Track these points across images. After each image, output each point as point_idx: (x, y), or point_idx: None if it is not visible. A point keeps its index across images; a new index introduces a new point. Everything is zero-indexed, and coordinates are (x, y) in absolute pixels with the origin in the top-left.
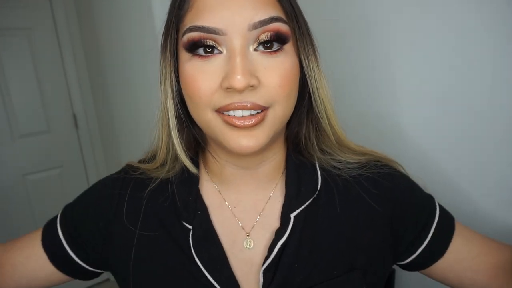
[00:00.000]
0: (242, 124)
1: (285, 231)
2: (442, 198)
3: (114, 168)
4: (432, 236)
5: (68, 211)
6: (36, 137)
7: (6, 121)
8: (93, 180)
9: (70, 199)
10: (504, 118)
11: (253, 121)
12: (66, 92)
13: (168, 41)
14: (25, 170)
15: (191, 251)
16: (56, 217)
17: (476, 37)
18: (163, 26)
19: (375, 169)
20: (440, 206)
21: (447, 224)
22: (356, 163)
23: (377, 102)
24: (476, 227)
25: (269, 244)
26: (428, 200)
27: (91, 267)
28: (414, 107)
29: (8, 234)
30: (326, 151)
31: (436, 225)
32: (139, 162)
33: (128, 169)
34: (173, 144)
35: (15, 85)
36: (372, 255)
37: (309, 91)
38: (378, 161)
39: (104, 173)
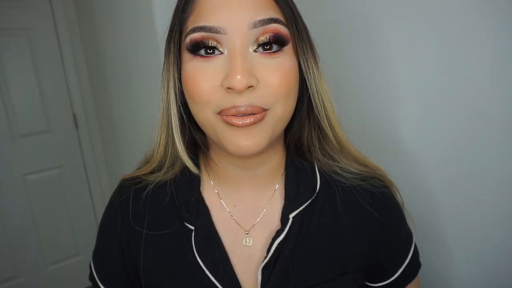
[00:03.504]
0: (241, 122)
1: (283, 231)
2: (443, 197)
3: (114, 168)
4: (399, 275)
5: (95, 254)
6: (36, 137)
7: (6, 121)
8: (93, 180)
9: (70, 199)
10: (504, 117)
11: (252, 119)
12: (66, 92)
13: (172, 44)
14: (25, 170)
15: (194, 252)
16: (91, 268)
17: (476, 37)
18: (167, 30)
19: (374, 185)
20: (414, 247)
21: (411, 270)
22: (356, 173)
23: (376, 101)
24: (477, 227)
25: (268, 243)
26: (408, 239)
27: None
28: (413, 107)
29: (8, 234)
30: (329, 155)
31: (405, 266)
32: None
33: (123, 183)
34: (173, 145)
35: (15, 85)
36: (362, 260)
37: (309, 93)
38: (378, 178)
39: (104, 173)
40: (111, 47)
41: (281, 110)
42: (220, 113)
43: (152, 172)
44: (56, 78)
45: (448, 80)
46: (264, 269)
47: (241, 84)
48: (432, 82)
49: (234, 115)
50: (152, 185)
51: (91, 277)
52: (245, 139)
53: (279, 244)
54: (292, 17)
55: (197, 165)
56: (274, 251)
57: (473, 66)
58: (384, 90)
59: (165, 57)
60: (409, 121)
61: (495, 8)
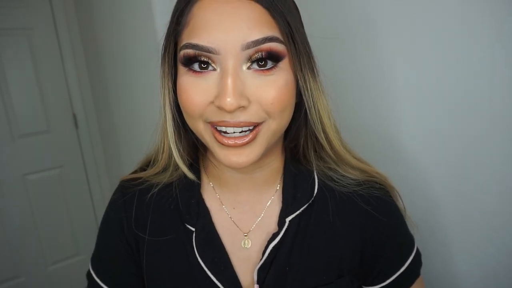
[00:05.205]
0: (232, 143)
1: (279, 234)
2: (444, 197)
3: (114, 168)
4: (392, 280)
5: (96, 260)
6: (36, 137)
7: (6, 121)
8: (93, 180)
9: (70, 199)
10: (504, 118)
11: (245, 140)
12: (66, 92)
13: (167, 54)
14: (25, 170)
15: (195, 253)
16: (91, 274)
17: (476, 37)
18: (163, 38)
19: (371, 190)
20: (414, 256)
21: (408, 278)
22: (353, 179)
23: (375, 104)
24: (477, 228)
25: (265, 245)
26: (407, 245)
27: None
28: (413, 108)
29: (8, 234)
30: (325, 161)
31: (400, 273)
32: (133, 172)
33: (124, 184)
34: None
35: (15, 85)
36: (357, 262)
37: (305, 107)
38: (377, 183)
39: (104, 173)
40: (111, 46)
41: (275, 125)
42: (210, 122)
43: (156, 174)
44: (56, 78)
45: (448, 81)
46: (260, 270)
47: (231, 106)
48: (432, 83)
49: (225, 132)
50: (157, 188)
51: (92, 283)
52: (236, 158)
53: (274, 247)
54: (289, 32)
55: (197, 168)
56: (270, 253)
57: (473, 66)
58: (383, 92)
59: (161, 65)
60: (408, 123)
61: (495, 8)
